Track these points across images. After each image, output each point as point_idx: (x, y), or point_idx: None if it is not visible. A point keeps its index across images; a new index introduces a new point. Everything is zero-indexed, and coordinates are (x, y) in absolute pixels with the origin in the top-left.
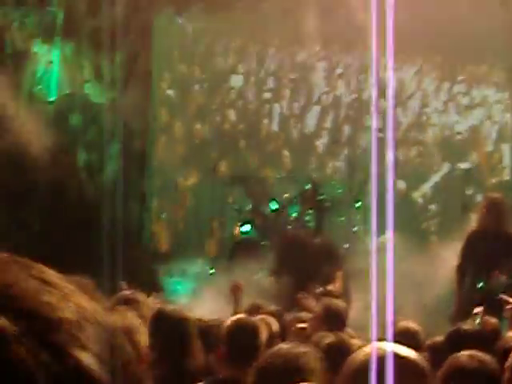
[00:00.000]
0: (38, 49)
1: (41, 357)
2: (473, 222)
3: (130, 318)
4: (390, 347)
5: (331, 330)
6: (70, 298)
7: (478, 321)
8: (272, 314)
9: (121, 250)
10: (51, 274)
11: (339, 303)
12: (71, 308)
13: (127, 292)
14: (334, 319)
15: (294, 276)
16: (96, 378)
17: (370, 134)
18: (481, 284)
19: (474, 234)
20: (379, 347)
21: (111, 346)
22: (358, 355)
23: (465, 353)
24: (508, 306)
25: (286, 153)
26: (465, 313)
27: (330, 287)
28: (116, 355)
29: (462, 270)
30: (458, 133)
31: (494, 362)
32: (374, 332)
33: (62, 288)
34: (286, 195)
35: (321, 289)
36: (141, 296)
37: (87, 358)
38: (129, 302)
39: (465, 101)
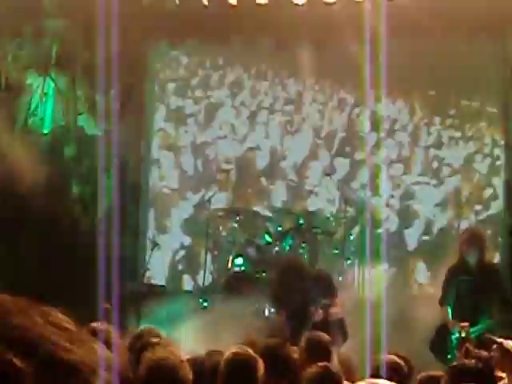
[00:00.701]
0: (33, 80)
1: None
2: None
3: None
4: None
5: (316, 362)
6: (86, 344)
7: (463, 334)
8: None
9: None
10: (67, 322)
11: (322, 335)
12: (87, 354)
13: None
14: (318, 351)
15: (293, 304)
16: None
17: (363, 168)
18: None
19: (456, 268)
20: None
21: None
22: None
23: None
24: (494, 346)
25: (279, 186)
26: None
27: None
28: None
29: (443, 303)
30: (449, 165)
31: None
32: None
33: (78, 334)
34: (280, 228)
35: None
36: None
37: None
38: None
39: (456, 135)
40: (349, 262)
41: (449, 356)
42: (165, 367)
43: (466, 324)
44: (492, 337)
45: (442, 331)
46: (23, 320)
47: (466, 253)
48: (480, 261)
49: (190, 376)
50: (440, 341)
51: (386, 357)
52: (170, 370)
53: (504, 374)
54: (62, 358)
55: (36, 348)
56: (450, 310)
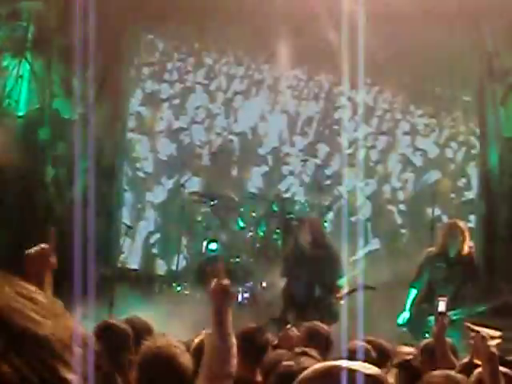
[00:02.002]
0: (8, 63)
1: (25, 373)
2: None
3: None
4: (355, 364)
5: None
6: (59, 318)
7: (441, 308)
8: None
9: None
10: (40, 294)
11: (321, 325)
12: (59, 328)
13: None
14: (318, 341)
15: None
16: None
17: (339, 154)
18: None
19: (434, 255)
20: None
21: (98, 368)
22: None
23: (439, 372)
24: (472, 334)
25: (253, 171)
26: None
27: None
28: (103, 378)
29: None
30: (424, 152)
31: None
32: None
33: (50, 308)
34: (254, 214)
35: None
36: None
37: (73, 379)
38: None
39: (431, 123)
40: None
41: (426, 336)
42: (164, 355)
43: (445, 298)
44: (470, 325)
45: (418, 312)
46: None
47: (447, 244)
48: (459, 252)
49: (191, 365)
50: (416, 321)
51: (357, 343)
52: (171, 358)
53: (480, 362)
54: (32, 331)
55: (5, 321)
56: (413, 293)
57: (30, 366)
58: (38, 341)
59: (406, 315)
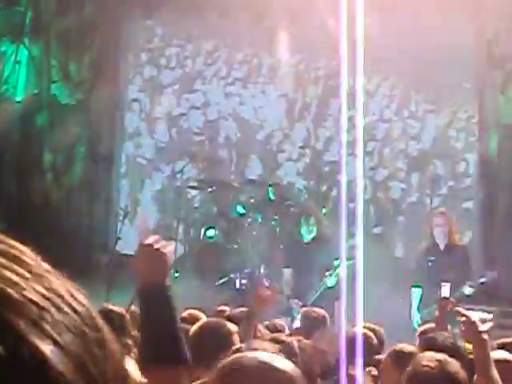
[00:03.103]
0: (6, 48)
1: None
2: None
3: None
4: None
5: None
6: (41, 278)
7: (444, 293)
8: (237, 316)
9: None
10: (22, 252)
11: (318, 310)
12: (39, 290)
13: None
14: (314, 325)
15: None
16: (56, 372)
17: (338, 141)
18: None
19: (425, 249)
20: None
21: (84, 338)
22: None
23: (428, 356)
24: (463, 319)
25: (252, 158)
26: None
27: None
28: (89, 349)
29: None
30: (423, 141)
31: (456, 364)
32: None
33: (32, 267)
34: (252, 200)
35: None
36: None
37: (49, 349)
38: None
39: (431, 109)
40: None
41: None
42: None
43: (448, 283)
44: (460, 309)
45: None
46: None
47: (435, 235)
48: (449, 242)
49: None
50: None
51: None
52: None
53: (471, 346)
54: (5, 293)
55: None
56: (416, 292)
57: (1, 334)
58: (11, 305)
59: (416, 317)
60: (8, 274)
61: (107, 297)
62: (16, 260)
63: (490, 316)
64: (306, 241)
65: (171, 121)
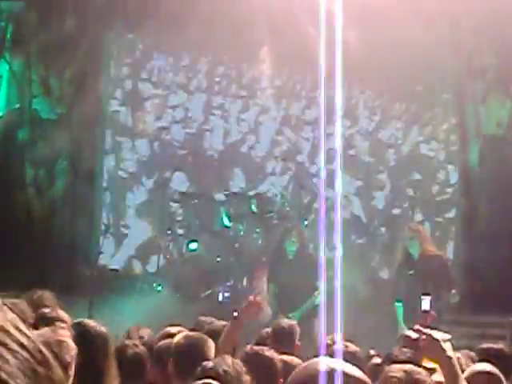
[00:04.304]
0: None
1: None
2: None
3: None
4: (338, 364)
5: (281, 348)
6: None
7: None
8: (219, 330)
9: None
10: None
11: (287, 321)
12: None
13: (46, 310)
14: (282, 337)
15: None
16: None
17: (319, 153)
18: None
19: (401, 264)
20: (327, 363)
21: (37, 379)
22: (306, 369)
23: (398, 366)
24: (423, 337)
25: (234, 170)
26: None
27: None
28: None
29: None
30: (403, 150)
31: (423, 372)
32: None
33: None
34: (234, 212)
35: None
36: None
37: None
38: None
39: (412, 121)
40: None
41: None
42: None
43: (428, 296)
44: (420, 327)
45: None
46: None
47: (407, 248)
48: (423, 253)
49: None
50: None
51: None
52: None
53: (436, 365)
54: None
55: None
56: (400, 308)
57: None
58: None
59: (401, 332)
60: None
61: (89, 310)
62: None
63: (449, 336)
64: (289, 256)
65: (153, 134)
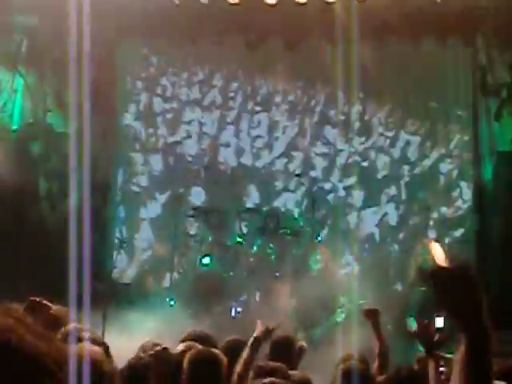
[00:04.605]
0: (2, 76)
1: None
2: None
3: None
4: None
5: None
6: (45, 336)
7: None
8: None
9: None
10: (24, 316)
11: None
12: (53, 349)
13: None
14: (280, 351)
15: None
16: None
17: (334, 169)
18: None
19: (414, 281)
20: None
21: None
22: None
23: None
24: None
25: (248, 186)
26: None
27: None
28: None
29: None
30: (418, 168)
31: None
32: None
33: (36, 328)
34: (247, 228)
35: None
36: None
37: None
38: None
39: (426, 138)
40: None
41: None
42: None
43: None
44: (442, 354)
45: None
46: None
47: (420, 265)
48: (435, 268)
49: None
50: None
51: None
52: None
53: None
54: (29, 352)
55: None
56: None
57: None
58: (35, 363)
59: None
60: (20, 331)
61: (103, 325)
62: (22, 322)
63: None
64: (313, 272)
65: (166, 149)
